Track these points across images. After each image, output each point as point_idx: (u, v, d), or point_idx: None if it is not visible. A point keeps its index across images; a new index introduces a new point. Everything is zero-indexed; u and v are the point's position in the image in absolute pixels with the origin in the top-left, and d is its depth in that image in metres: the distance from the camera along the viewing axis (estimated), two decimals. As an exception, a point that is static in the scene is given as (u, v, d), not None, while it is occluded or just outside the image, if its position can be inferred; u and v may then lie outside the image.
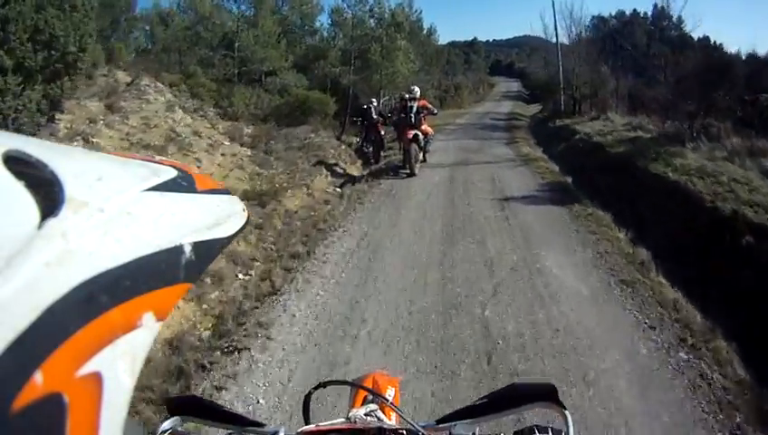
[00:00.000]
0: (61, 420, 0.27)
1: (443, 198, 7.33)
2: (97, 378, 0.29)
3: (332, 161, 9.78)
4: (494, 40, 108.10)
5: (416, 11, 22.49)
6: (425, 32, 26.41)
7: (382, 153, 11.30)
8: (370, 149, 11.30)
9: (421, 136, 9.01)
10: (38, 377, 0.25)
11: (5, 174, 0.28)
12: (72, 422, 0.27)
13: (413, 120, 9.11)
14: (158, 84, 10.88)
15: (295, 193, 7.32)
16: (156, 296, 0.34)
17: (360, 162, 11.14)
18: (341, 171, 9.59)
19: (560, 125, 15.69)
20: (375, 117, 11.40)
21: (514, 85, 52.74)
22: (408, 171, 8.80)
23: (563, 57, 20.46)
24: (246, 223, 0.48)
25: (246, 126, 11.33)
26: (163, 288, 0.35)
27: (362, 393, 1.22)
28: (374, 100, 12.34)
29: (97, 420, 0.29)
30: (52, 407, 0.26)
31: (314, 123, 13.06)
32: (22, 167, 0.29)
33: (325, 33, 20.45)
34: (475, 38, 64.59)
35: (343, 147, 11.44)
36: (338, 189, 8.35)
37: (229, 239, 0.43)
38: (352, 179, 8.96)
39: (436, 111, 9.73)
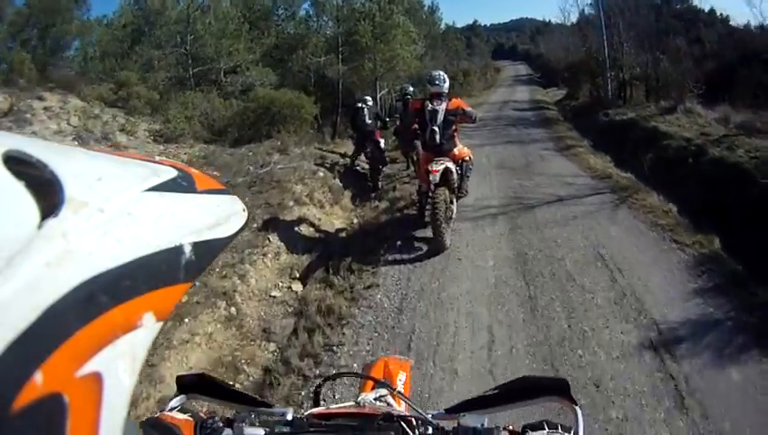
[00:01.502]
0: (61, 420, 0.27)
1: (524, 356, 3.36)
2: (97, 378, 0.30)
3: (295, 214, 5.87)
4: (491, 24, 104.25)
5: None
6: (425, 9, 21.72)
7: (383, 169, 8.03)
8: (366, 168, 8.24)
9: (454, 168, 5.13)
10: (38, 377, 0.26)
11: (5, 174, 0.29)
12: (72, 422, 0.28)
13: (438, 138, 5.12)
14: (69, 103, 8.97)
15: (199, 325, 3.68)
16: (156, 296, 0.34)
17: (347, 195, 7.36)
18: (312, 231, 5.78)
19: (619, 120, 12.56)
20: (369, 121, 7.98)
21: (522, 68, 52.49)
22: (430, 236, 5.00)
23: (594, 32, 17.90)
24: (247, 223, 0.47)
25: (189, 149, 9.12)
26: (163, 288, 0.35)
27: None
28: (368, 97, 8.66)
29: (97, 420, 0.30)
30: (52, 407, 0.27)
31: (283, 136, 9.87)
32: (22, 167, 0.30)
33: (305, 17, 15.58)
34: (476, 21, 60.91)
35: (321, 172, 7.54)
36: (294, 288, 4.69)
37: (229, 239, 0.44)
38: (326, 254, 5.23)
39: (475, 116, 5.39)
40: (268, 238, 5.10)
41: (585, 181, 7.21)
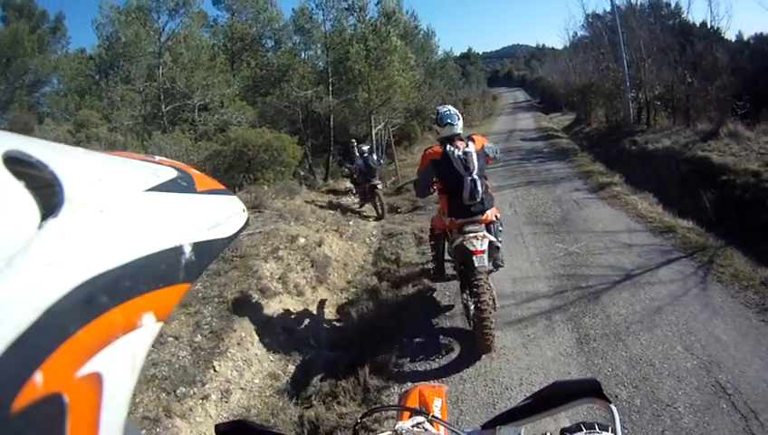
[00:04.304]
0: (61, 420, 0.27)
1: None
2: (97, 378, 0.30)
3: (260, 314, 4.29)
4: (483, 52, 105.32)
5: (409, 10, 16.72)
6: (421, 35, 20.24)
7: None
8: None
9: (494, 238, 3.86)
10: (38, 377, 0.26)
11: (5, 174, 0.29)
12: (71, 423, 0.28)
13: (480, 193, 3.79)
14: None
15: None
16: (156, 297, 0.34)
17: (338, 266, 5.91)
18: (283, 341, 4.15)
19: (652, 149, 11.13)
20: (357, 156, 9.64)
21: (519, 95, 54.58)
22: (462, 327, 4.05)
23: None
24: (246, 223, 0.49)
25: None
26: (163, 288, 0.35)
27: (410, 405, 1.24)
28: (353, 140, 9.85)
29: (97, 420, 0.30)
30: (52, 407, 0.27)
31: (258, 187, 8.38)
32: (22, 167, 0.30)
33: (291, 47, 14.05)
34: (470, 48, 60.25)
35: (303, 238, 5.94)
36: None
37: (229, 240, 0.44)
38: (303, 379, 3.73)
39: (498, 155, 4.33)
40: (213, 367, 3.32)
41: (646, 239, 5.84)
